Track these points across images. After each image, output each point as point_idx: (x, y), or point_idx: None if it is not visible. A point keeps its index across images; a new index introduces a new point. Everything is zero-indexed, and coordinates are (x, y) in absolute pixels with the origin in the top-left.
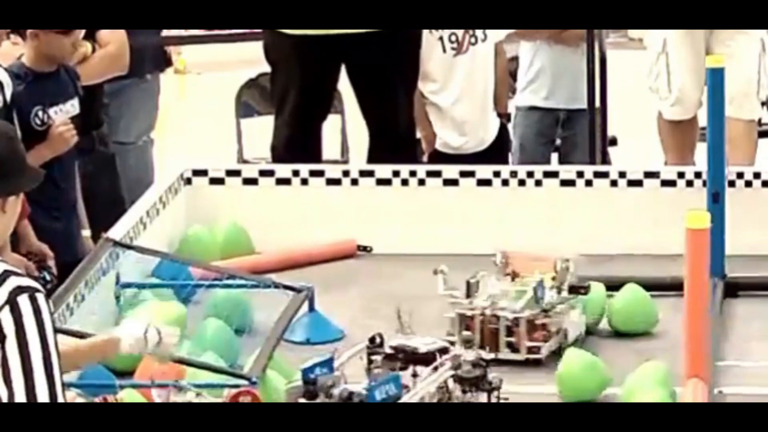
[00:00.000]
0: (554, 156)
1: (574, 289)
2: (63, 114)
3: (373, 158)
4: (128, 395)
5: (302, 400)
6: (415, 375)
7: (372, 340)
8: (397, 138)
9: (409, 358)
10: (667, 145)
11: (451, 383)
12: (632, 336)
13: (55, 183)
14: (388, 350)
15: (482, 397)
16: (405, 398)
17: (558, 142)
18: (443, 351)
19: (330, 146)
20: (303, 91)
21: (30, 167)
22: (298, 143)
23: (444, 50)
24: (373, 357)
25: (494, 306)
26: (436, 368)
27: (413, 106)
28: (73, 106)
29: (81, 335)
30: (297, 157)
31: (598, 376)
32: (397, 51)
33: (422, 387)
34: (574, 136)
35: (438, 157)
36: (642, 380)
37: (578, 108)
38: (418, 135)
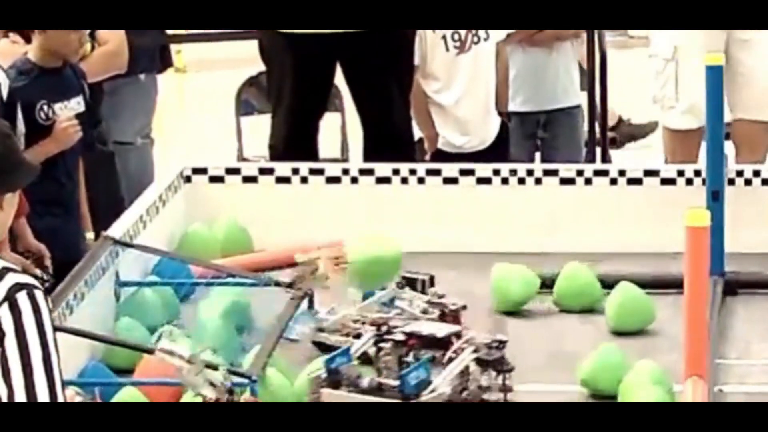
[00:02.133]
0: (537, 157)
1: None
2: (68, 110)
3: (368, 157)
4: (128, 395)
5: (326, 390)
6: (433, 359)
7: (378, 327)
8: (392, 137)
9: (425, 343)
10: (676, 156)
11: (472, 366)
12: (631, 334)
13: (57, 180)
14: (398, 336)
15: (499, 379)
16: (435, 382)
17: (539, 143)
18: (458, 335)
19: (330, 144)
20: (298, 90)
21: (26, 163)
22: (295, 141)
23: (447, 49)
24: (381, 345)
25: None
26: (455, 352)
27: (409, 105)
28: (78, 104)
29: (81, 334)
30: (294, 155)
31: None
32: (391, 49)
33: (449, 371)
34: (554, 138)
35: (440, 156)
36: (638, 379)
37: (557, 108)
38: (421, 134)
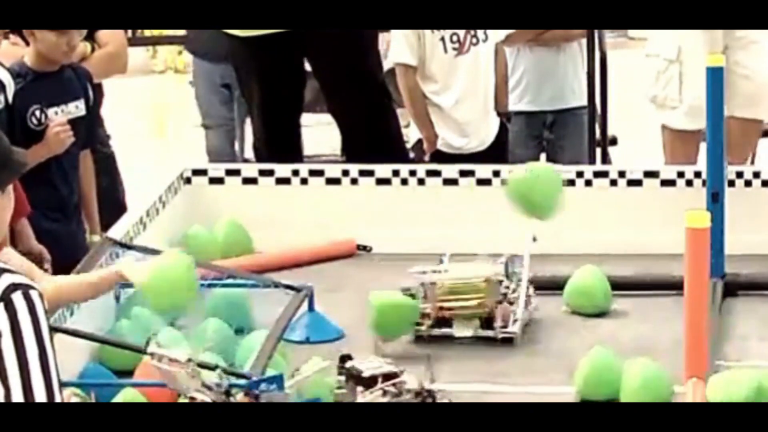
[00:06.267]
0: (542, 158)
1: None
2: (64, 115)
3: (348, 155)
4: (128, 396)
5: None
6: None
7: (342, 359)
8: (368, 134)
9: (357, 380)
10: (675, 156)
11: None
12: (631, 334)
13: (53, 185)
14: (344, 371)
15: None
16: None
17: (545, 144)
18: (389, 376)
19: (330, 145)
20: (264, 90)
21: (15, 159)
22: (273, 141)
23: (446, 51)
24: (340, 377)
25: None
26: (371, 392)
27: (382, 98)
28: (77, 107)
29: (80, 335)
30: (276, 155)
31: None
32: (353, 45)
33: None
34: (560, 139)
35: (439, 157)
36: (639, 380)
37: (564, 108)
38: (420, 135)
